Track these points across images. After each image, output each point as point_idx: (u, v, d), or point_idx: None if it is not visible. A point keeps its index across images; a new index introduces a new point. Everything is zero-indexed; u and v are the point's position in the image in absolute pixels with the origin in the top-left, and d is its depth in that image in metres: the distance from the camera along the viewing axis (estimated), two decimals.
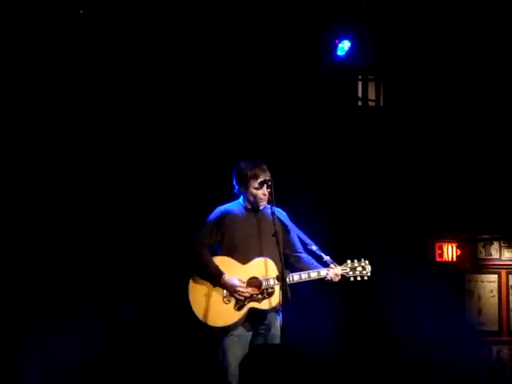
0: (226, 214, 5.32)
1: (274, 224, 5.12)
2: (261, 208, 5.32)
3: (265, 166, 5.27)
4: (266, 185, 5.20)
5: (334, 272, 5.22)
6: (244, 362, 3.16)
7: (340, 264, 5.29)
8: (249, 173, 5.25)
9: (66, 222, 6.81)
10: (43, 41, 6.68)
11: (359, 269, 5.30)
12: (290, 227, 5.38)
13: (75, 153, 6.89)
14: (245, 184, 5.28)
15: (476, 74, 7.59)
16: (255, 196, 5.26)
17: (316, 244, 5.33)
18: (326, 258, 5.26)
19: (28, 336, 6.46)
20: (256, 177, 5.22)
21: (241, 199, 5.37)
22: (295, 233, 5.39)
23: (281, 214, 5.39)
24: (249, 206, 5.34)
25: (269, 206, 5.22)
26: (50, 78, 6.77)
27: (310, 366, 3.29)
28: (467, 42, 7.45)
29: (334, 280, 5.23)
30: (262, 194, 5.24)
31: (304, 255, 5.38)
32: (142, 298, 6.83)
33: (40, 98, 6.76)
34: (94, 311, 6.60)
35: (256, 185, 5.23)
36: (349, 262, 5.32)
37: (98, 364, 6.59)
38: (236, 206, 5.37)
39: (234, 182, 5.36)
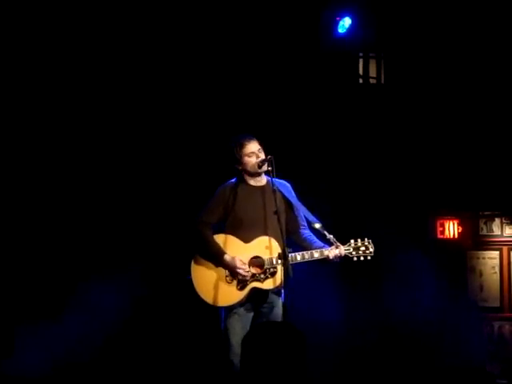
0: (229, 191, 5.31)
1: (276, 201, 5.13)
2: (263, 178, 5.32)
3: (251, 137, 5.32)
4: (256, 150, 5.25)
5: (337, 252, 5.19)
6: (246, 340, 3.17)
7: (343, 243, 5.25)
8: (235, 146, 5.29)
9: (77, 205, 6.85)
10: (43, 40, 6.66)
11: (362, 248, 5.26)
12: (293, 203, 5.36)
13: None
14: (237, 158, 5.29)
15: (478, 50, 7.55)
16: (252, 165, 5.26)
17: (320, 221, 5.31)
18: (330, 236, 5.22)
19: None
20: (242, 146, 5.26)
21: (242, 176, 5.36)
22: (299, 209, 5.37)
23: (285, 187, 5.38)
24: (251, 181, 5.34)
25: (271, 182, 5.22)
26: (47, 77, 6.75)
27: (311, 343, 3.32)
28: (469, 20, 7.41)
29: (336, 260, 5.22)
30: (260, 161, 5.24)
31: (306, 232, 5.37)
32: (144, 276, 6.85)
33: (37, 97, 6.74)
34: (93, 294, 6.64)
35: (246, 152, 5.26)
36: (352, 241, 5.27)
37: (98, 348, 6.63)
38: (239, 183, 5.35)
39: (231, 164, 5.36)
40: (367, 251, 5.28)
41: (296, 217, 5.39)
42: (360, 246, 5.28)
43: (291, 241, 5.29)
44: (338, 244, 5.22)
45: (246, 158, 5.28)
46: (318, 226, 5.28)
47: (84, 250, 6.79)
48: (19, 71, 6.67)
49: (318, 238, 5.33)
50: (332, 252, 5.19)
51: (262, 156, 5.27)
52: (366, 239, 5.30)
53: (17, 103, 6.70)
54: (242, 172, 5.34)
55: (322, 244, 5.26)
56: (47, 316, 6.50)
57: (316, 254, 5.20)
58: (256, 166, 5.26)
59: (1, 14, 6.53)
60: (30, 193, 6.74)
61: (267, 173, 5.27)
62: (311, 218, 5.33)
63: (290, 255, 5.10)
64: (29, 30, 6.62)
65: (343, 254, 5.23)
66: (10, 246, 6.62)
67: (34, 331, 6.45)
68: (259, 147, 5.30)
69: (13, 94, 6.68)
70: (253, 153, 5.27)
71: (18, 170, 6.71)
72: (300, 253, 5.19)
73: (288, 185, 5.43)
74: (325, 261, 5.22)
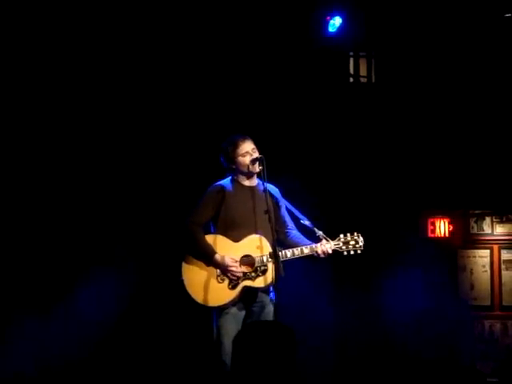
0: (220, 191, 5.31)
1: (267, 201, 5.14)
2: (255, 179, 5.34)
3: (245, 136, 5.32)
4: (250, 149, 5.25)
5: (326, 247, 5.21)
6: (237, 339, 3.16)
7: (332, 239, 5.27)
8: (229, 146, 5.30)
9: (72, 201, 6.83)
10: (42, 40, 6.64)
11: (352, 243, 5.28)
12: (281, 203, 5.39)
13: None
14: (230, 158, 5.29)
15: (468, 48, 7.56)
16: (245, 165, 5.26)
17: (308, 219, 5.33)
18: (319, 232, 5.24)
19: None
20: (237, 145, 5.26)
21: (235, 176, 5.36)
22: (286, 210, 5.40)
23: (273, 190, 5.40)
24: (244, 181, 5.34)
25: (261, 183, 5.24)
26: (46, 77, 6.73)
27: (302, 342, 3.32)
28: (459, 18, 7.42)
29: (326, 255, 5.23)
30: (250, 160, 5.24)
31: (294, 232, 5.39)
32: (135, 277, 6.83)
33: (34, 97, 6.73)
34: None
35: (240, 152, 5.25)
36: (341, 236, 5.28)
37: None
38: (230, 182, 5.36)
39: (224, 164, 5.37)
40: (357, 245, 5.29)
41: (282, 217, 5.40)
42: (349, 241, 5.29)
43: (279, 240, 5.29)
44: (328, 239, 5.24)
45: (240, 158, 5.28)
46: (306, 222, 5.31)
47: (74, 249, 6.77)
48: (19, 71, 6.65)
49: (306, 235, 5.34)
50: (322, 247, 5.20)
51: (256, 156, 5.27)
52: (355, 233, 5.32)
53: (15, 103, 6.68)
54: (235, 172, 5.34)
55: (311, 242, 5.27)
56: (35, 315, 6.48)
57: (306, 250, 5.21)
58: (248, 166, 5.26)
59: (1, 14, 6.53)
60: (23, 193, 6.72)
61: (258, 173, 5.27)
62: (300, 215, 5.36)
63: (280, 252, 5.11)
64: (29, 30, 6.60)
65: (333, 249, 5.24)
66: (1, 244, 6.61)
67: (23, 330, 6.43)
68: (253, 147, 5.30)
69: (12, 94, 6.66)
70: (247, 152, 5.27)
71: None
72: (290, 249, 5.20)
73: (277, 189, 5.45)
74: (315, 257, 5.24)
